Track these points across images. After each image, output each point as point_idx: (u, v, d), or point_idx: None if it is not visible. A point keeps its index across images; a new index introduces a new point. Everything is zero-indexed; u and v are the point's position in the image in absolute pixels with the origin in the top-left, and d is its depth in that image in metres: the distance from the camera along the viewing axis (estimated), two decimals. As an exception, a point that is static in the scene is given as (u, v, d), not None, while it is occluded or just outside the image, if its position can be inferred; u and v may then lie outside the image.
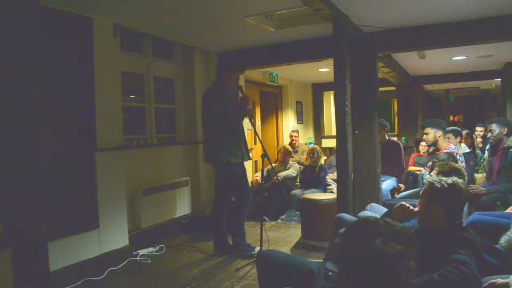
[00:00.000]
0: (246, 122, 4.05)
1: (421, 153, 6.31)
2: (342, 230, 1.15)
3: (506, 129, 3.94)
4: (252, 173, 6.17)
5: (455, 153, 3.71)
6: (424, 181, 2.16)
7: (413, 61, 6.15)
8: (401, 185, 5.09)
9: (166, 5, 3.39)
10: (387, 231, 1.09)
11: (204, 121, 3.94)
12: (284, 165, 5.87)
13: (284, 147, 5.97)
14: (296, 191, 5.41)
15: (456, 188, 1.96)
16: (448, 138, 4.66)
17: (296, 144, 6.72)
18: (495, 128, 3.98)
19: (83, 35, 3.47)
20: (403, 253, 1.06)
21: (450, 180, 1.99)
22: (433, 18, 3.88)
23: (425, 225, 2.00)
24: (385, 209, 3.10)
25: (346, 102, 3.61)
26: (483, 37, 3.94)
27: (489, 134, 4.08)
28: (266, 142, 7.07)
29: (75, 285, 3.15)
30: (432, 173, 3.08)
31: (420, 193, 2.09)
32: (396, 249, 1.05)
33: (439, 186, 1.97)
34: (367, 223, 1.17)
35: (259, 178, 5.62)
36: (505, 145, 3.78)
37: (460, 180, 2.03)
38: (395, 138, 5.92)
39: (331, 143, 7.96)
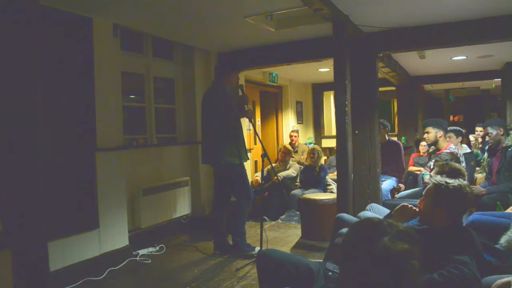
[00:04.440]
0: (246, 122, 4.05)
1: (421, 153, 6.32)
2: (345, 230, 1.15)
3: (502, 130, 3.95)
4: (252, 173, 6.17)
5: (456, 153, 3.72)
6: (428, 180, 2.15)
7: (413, 61, 6.15)
8: (401, 185, 5.09)
9: (166, 5, 3.39)
10: (392, 231, 1.09)
11: (203, 122, 3.94)
12: (284, 164, 5.87)
13: (284, 147, 5.98)
14: (296, 191, 5.41)
15: (462, 192, 1.94)
16: (449, 137, 4.66)
17: (296, 144, 6.72)
18: (491, 130, 4.00)
19: (83, 35, 3.47)
20: (409, 251, 1.06)
21: (456, 183, 1.96)
22: (433, 18, 3.88)
23: (427, 226, 1.99)
24: (385, 209, 3.11)
25: (346, 102, 3.61)
26: (483, 37, 3.94)
27: (487, 138, 4.10)
28: (266, 142, 7.07)
29: (75, 285, 3.15)
30: (432, 173, 3.09)
31: (423, 192, 2.08)
32: (404, 247, 1.05)
33: (445, 189, 1.94)
34: (371, 222, 1.16)
35: (259, 178, 5.62)
36: (503, 145, 3.80)
37: (466, 183, 2.02)
38: (395, 138, 5.92)
39: (331, 143, 7.96)
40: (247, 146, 4.03)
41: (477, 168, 5.07)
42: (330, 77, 3.87)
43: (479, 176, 4.78)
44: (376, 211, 3.12)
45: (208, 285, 3.16)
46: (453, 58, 5.97)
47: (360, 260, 1.07)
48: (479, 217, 2.65)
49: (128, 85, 4.46)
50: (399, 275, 1.04)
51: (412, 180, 5.62)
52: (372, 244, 1.06)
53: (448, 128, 4.68)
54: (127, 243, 3.84)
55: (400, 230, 1.10)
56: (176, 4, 3.38)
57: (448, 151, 3.81)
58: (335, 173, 4.32)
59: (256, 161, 6.57)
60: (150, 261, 3.73)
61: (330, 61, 3.94)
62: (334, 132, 4.20)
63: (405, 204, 2.19)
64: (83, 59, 3.48)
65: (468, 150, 5.33)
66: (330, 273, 2.06)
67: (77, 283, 3.17)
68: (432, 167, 3.77)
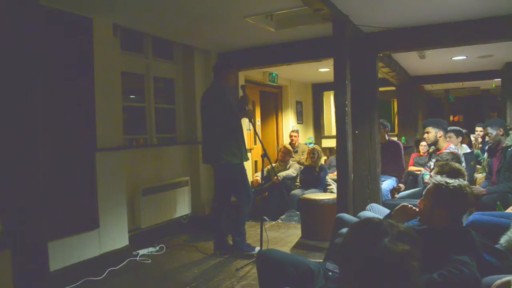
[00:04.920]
0: (246, 122, 4.04)
1: (421, 153, 6.32)
2: (345, 230, 1.14)
3: (502, 130, 3.95)
4: (252, 173, 6.17)
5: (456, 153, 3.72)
6: (428, 180, 2.15)
7: (413, 61, 6.15)
8: (401, 185, 5.09)
9: (166, 5, 3.39)
10: (393, 231, 1.08)
11: (203, 122, 3.94)
12: (284, 164, 5.87)
13: (284, 147, 5.98)
14: (296, 191, 5.41)
15: (462, 192, 1.94)
16: (450, 137, 4.66)
17: (296, 144, 6.72)
18: (491, 130, 3.99)
19: (83, 35, 3.47)
20: (410, 253, 1.05)
21: (456, 183, 1.96)
22: (433, 18, 3.88)
23: (427, 226, 1.99)
24: (385, 209, 3.11)
25: (346, 102, 3.60)
26: (483, 37, 3.93)
27: (487, 138, 4.10)
28: (266, 142, 7.07)
29: (75, 285, 3.15)
30: (432, 173, 3.09)
31: (423, 192, 2.08)
32: (405, 248, 1.05)
33: (445, 189, 1.94)
34: (372, 223, 1.15)
35: (259, 178, 5.62)
36: (503, 145, 3.79)
37: (466, 183, 2.02)
38: (395, 138, 5.92)
39: (331, 143, 7.96)
40: (247, 146, 4.03)
41: (478, 167, 5.07)
42: (330, 77, 3.87)
43: (479, 176, 4.77)
44: (376, 211, 3.12)
45: (208, 285, 3.15)
46: (453, 58, 5.97)
47: (360, 260, 1.07)
48: (479, 217, 2.65)
49: (128, 85, 4.46)
50: (399, 276, 1.04)
51: (412, 180, 5.62)
52: (373, 245, 1.05)
53: (449, 128, 4.68)
54: (127, 243, 3.84)
55: (401, 231, 1.09)
56: (176, 4, 3.38)
57: (448, 151, 3.81)
58: (335, 173, 4.32)
59: (256, 161, 6.57)
60: (150, 261, 3.73)
61: (330, 61, 3.94)
62: (334, 132, 4.20)
63: (405, 204, 2.19)
64: (83, 59, 3.48)
65: (468, 150, 5.33)
66: (330, 273, 2.06)
67: (77, 283, 3.17)
68: (432, 167, 3.77)
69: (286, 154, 5.91)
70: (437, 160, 3.26)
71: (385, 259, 1.03)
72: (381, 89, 4.94)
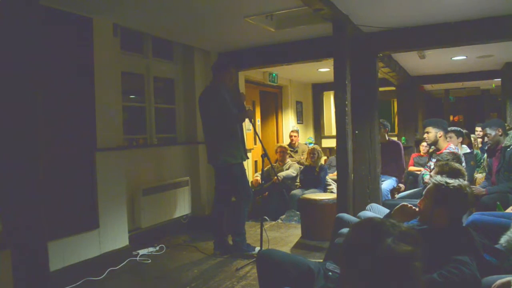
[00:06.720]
0: (246, 122, 4.05)
1: (421, 153, 6.32)
2: (345, 230, 1.13)
3: (500, 130, 3.95)
4: (252, 173, 6.17)
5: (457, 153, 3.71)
6: (428, 180, 2.15)
7: (413, 61, 6.15)
8: (401, 185, 5.09)
9: (165, 5, 3.39)
10: (395, 231, 1.08)
11: (203, 122, 3.95)
12: (283, 164, 5.87)
13: (280, 146, 5.97)
14: (296, 191, 5.41)
15: (463, 192, 1.94)
16: (450, 137, 4.66)
17: (296, 144, 6.71)
18: (490, 131, 3.99)
19: (83, 35, 3.47)
20: (412, 253, 1.05)
21: (456, 183, 1.96)
22: (433, 18, 3.88)
23: (427, 226, 1.99)
24: (385, 209, 3.11)
25: (346, 102, 3.61)
26: (483, 37, 3.94)
27: (486, 139, 4.09)
28: (266, 142, 7.06)
29: (75, 285, 3.15)
30: (432, 173, 3.09)
31: (423, 192, 2.08)
32: (407, 249, 1.05)
33: (445, 189, 1.94)
34: (374, 223, 1.14)
35: (259, 178, 5.63)
36: (503, 145, 3.80)
37: (466, 183, 2.02)
38: (395, 138, 5.92)
39: (331, 143, 7.96)
40: (247, 146, 4.02)
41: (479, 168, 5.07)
42: (330, 77, 3.87)
43: (479, 176, 4.77)
44: (376, 211, 3.12)
45: (208, 285, 3.15)
46: (453, 58, 5.97)
47: (362, 261, 1.06)
48: (479, 217, 2.65)
49: (128, 85, 4.46)
50: (402, 276, 1.04)
51: (412, 180, 5.62)
52: (375, 245, 1.05)
53: (449, 128, 4.68)
54: (127, 243, 3.84)
55: (403, 231, 1.09)
56: (176, 4, 3.38)
57: (448, 151, 3.81)
58: (335, 173, 4.32)
59: (256, 161, 6.56)
60: (150, 261, 3.73)
61: (330, 61, 3.94)
62: (334, 132, 4.20)
63: (405, 203, 2.19)
64: (83, 59, 3.48)
65: (468, 151, 5.33)
66: (330, 273, 2.06)
67: (77, 283, 3.17)
68: (432, 167, 3.77)
69: (284, 153, 5.91)
70: (437, 160, 3.26)
71: (387, 259, 1.03)
72: (381, 89, 4.95)
